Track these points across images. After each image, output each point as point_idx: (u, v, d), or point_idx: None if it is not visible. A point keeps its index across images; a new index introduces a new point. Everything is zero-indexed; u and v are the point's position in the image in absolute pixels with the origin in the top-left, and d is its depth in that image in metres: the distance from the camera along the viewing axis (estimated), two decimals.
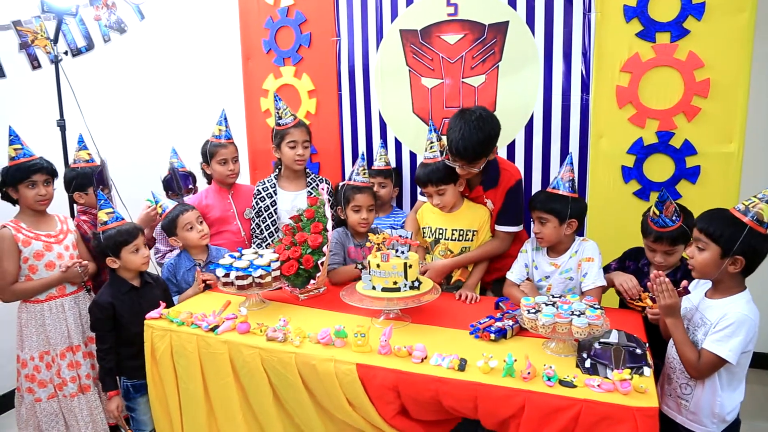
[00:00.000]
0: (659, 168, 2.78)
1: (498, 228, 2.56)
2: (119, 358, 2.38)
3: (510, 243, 2.59)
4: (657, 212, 2.18)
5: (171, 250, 3.01)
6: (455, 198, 2.55)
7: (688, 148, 2.71)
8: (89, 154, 2.87)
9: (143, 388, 2.37)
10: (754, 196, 1.79)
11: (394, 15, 3.16)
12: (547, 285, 2.36)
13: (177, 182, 2.97)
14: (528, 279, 2.42)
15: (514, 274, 2.44)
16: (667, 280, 1.84)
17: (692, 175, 2.73)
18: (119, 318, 2.34)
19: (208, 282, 2.57)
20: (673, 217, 2.13)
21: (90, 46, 3.52)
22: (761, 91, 2.76)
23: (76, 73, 3.19)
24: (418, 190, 3.01)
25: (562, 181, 2.29)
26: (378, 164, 3.11)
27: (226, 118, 3.00)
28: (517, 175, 2.58)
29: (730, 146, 2.65)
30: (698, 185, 2.73)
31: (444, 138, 2.52)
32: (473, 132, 2.32)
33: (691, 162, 2.72)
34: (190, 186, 3.00)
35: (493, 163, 2.52)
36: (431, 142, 2.53)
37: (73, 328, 2.61)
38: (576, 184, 2.32)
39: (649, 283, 1.94)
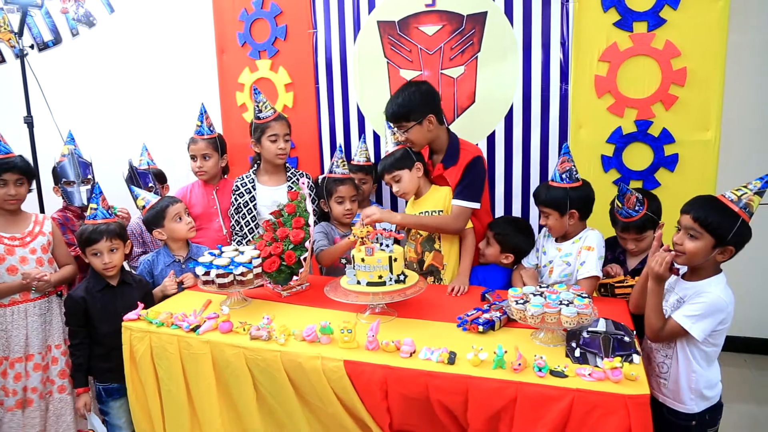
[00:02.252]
0: (638, 156, 2.80)
1: (454, 202, 2.51)
2: (91, 356, 2.33)
3: (465, 220, 2.53)
4: (620, 204, 2.24)
5: (144, 252, 2.94)
6: (413, 184, 2.54)
7: (666, 137, 2.73)
8: (69, 149, 2.83)
9: (115, 392, 2.32)
10: (745, 186, 1.78)
11: (371, 6, 3.11)
12: (550, 267, 2.36)
13: (136, 180, 2.91)
14: (537, 265, 2.45)
15: (528, 258, 2.49)
16: (671, 255, 1.82)
17: (671, 163, 2.75)
18: (90, 315, 2.29)
19: (184, 285, 2.51)
20: (636, 207, 2.17)
21: (57, 40, 3.42)
22: (736, 79, 2.80)
23: (43, 67, 3.10)
24: None
25: (559, 173, 2.27)
26: (358, 159, 3.09)
27: (203, 113, 2.95)
28: (476, 152, 2.57)
29: (707, 134, 2.69)
30: (676, 173, 2.76)
31: (397, 132, 2.57)
32: (399, 93, 2.48)
33: (669, 150, 2.75)
34: (150, 184, 2.94)
35: (453, 143, 2.56)
36: (386, 137, 2.57)
37: (33, 336, 2.49)
38: (575, 172, 2.28)
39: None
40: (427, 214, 2.54)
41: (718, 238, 1.77)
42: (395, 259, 2.07)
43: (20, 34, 2.95)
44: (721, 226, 1.76)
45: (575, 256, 2.28)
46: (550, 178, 2.34)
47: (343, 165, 2.73)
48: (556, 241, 2.38)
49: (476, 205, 2.52)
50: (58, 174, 2.82)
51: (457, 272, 2.51)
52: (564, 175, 2.26)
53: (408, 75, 3.10)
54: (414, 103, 2.46)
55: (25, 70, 2.94)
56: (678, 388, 1.88)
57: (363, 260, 2.06)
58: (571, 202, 2.23)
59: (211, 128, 3.00)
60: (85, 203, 2.77)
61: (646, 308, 1.87)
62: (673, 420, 1.91)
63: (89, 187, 2.83)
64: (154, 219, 2.59)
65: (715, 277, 1.84)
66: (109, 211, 2.38)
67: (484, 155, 2.71)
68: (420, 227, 2.54)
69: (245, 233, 2.89)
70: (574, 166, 2.29)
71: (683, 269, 1.95)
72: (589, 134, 2.85)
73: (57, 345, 2.55)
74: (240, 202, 2.88)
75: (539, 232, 2.53)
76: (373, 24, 3.13)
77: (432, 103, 2.51)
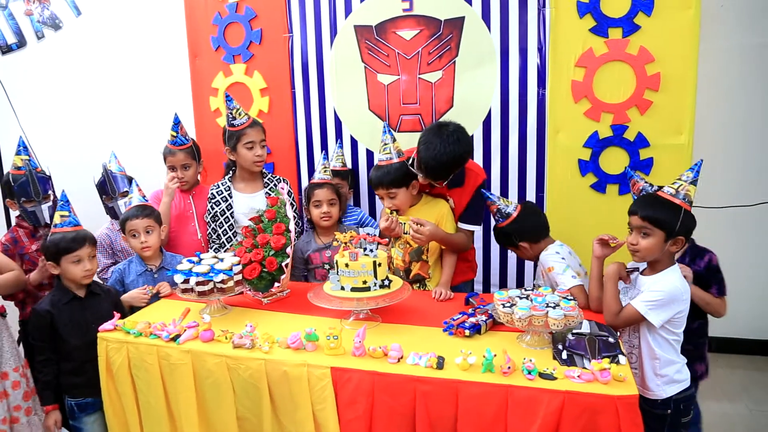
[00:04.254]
0: (614, 160, 2.84)
1: (461, 225, 2.53)
2: (60, 373, 2.23)
3: (472, 242, 2.58)
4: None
5: (114, 263, 2.85)
6: (408, 201, 2.49)
7: (642, 141, 2.78)
8: (23, 161, 2.63)
9: (89, 407, 2.23)
10: (679, 179, 1.92)
11: (348, 10, 3.10)
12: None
13: (111, 185, 2.82)
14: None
15: None
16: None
17: (646, 166, 2.80)
18: (57, 329, 2.19)
19: (161, 295, 2.45)
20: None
21: (21, 43, 3.31)
22: (708, 84, 2.87)
23: (6, 71, 2.98)
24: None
25: (493, 216, 2.39)
26: (335, 164, 3.06)
27: (177, 123, 2.88)
28: (483, 175, 2.56)
29: (681, 138, 2.74)
30: (651, 176, 2.80)
31: (398, 139, 2.51)
32: (447, 152, 2.25)
33: (644, 154, 2.80)
34: (125, 189, 2.86)
35: None
36: (385, 144, 2.49)
37: None
38: (504, 209, 2.34)
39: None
40: None
41: (668, 231, 1.88)
42: (379, 264, 2.04)
43: None
44: (667, 220, 1.88)
45: (541, 277, 2.35)
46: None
47: (325, 171, 2.72)
48: None
49: (480, 228, 2.57)
50: (14, 191, 2.63)
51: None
52: (497, 217, 2.36)
53: (385, 80, 3.09)
54: (464, 162, 2.40)
55: None
56: (644, 375, 1.95)
57: (347, 265, 2.03)
58: (516, 236, 2.32)
59: (186, 137, 2.93)
60: (49, 221, 2.62)
61: (604, 294, 1.97)
62: (649, 410, 1.95)
63: (50, 203, 2.68)
64: (121, 226, 2.55)
65: (670, 269, 1.94)
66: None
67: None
68: (447, 244, 2.49)
69: (222, 242, 2.83)
70: (501, 203, 2.35)
71: (642, 265, 2.04)
72: (567, 139, 2.88)
73: (15, 368, 2.31)
74: (216, 211, 2.82)
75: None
76: (350, 28, 3.11)
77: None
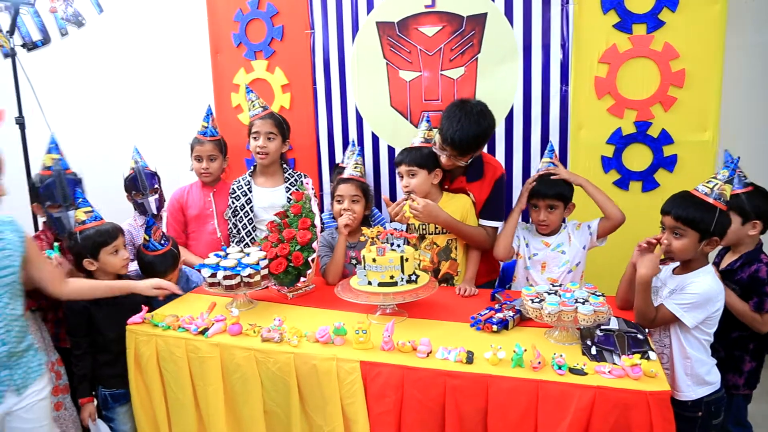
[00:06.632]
0: (638, 157, 2.83)
1: (482, 222, 2.51)
2: (96, 365, 2.25)
3: (494, 239, 2.55)
4: None
5: (133, 260, 2.86)
6: (425, 187, 2.43)
7: (665, 138, 2.77)
8: (53, 160, 2.40)
9: (122, 397, 2.25)
10: (714, 177, 1.89)
11: (370, 7, 3.11)
12: (540, 261, 2.38)
13: (142, 181, 2.83)
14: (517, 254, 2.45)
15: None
16: (657, 256, 1.89)
17: (669, 163, 2.79)
18: (95, 323, 2.22)
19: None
20: None
21: (46, 40, 3.34)
22: (733, 81, 2.84)
23: (31, 68, 3.00)
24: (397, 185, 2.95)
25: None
26: (352, 173, 3.02)
27: (209, 114, 2.91)
28: (501, 169, 2.55)
29: (705, 135, 2.73)
30: (675, 173, 2.80)
31: (435, 130, 2.47)
32: (472, 125, 2.27)
33: (668, 151, 2.78)
34: (156, 185, 2.87)
35: (477, 156, 2.47)
36: (423, 131, 2.51)
37: None
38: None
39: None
40: None
41: (702, 232, 1.85)
42: (407, 259, 2.05)
43: (11, 32, 2.87)
44: (702, 220, 1.84)
45: (567, 243, 2.34)
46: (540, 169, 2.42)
47: (355, 167, 2.63)
48: (540, 234, 2.41)
49: (502, 224, 2.52)
50: (39, 194, 2.38)
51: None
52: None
53: (407, 76, 3.10)
54: (489, 136, 2.43)
55: (16, 70, 2.85)
56: (675, 375, 1.93)
57: (374, 260, 2.04)
58: (570, 197, 2.35)
59: (216, 129, 2.94)
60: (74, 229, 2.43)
61: (637, 301, 1.92)
62: (680, 413, 1.90)
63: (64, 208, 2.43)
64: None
65: (703, 268, 1.91)
66: None
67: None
68: (456, 232, 2.47)
69: (242, 236, 2.85)
70: None
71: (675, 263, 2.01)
72: (589, 135, 2.88)
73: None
74: (237, 205, 2.83)
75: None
76: (372, 25, 3.12)
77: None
